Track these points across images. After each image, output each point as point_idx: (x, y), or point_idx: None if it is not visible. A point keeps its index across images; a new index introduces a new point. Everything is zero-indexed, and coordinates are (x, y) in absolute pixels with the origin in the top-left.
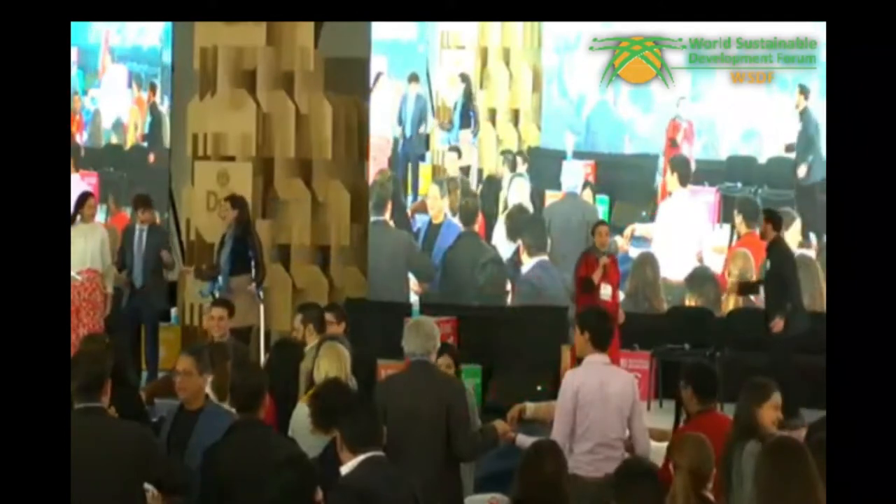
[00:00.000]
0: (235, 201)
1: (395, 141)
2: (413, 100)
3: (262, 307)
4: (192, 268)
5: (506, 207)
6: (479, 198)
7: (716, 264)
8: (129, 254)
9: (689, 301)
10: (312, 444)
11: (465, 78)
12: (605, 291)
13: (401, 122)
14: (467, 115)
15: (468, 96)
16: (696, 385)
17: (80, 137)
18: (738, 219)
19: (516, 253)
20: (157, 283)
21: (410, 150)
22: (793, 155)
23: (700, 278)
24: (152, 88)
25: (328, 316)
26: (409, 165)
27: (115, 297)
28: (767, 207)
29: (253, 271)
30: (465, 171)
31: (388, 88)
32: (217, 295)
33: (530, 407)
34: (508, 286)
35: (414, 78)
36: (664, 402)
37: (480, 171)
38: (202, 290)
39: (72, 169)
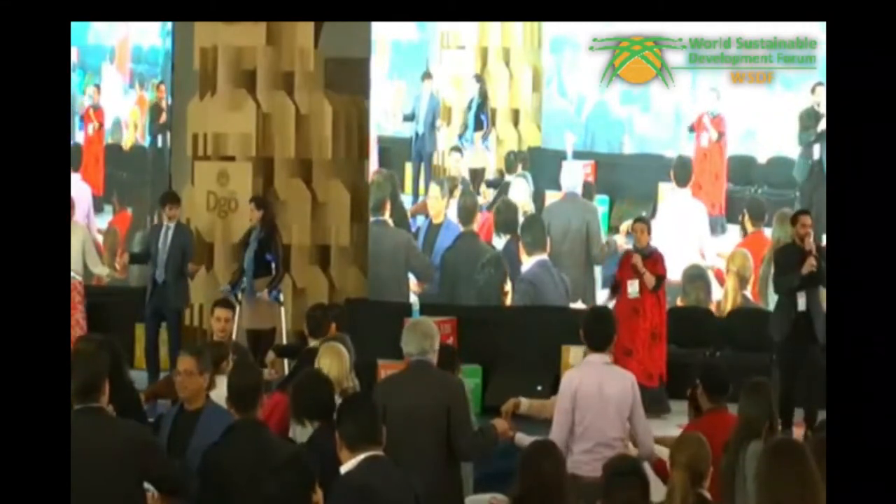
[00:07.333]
0: (260, 202)
1: (381, 141)
2: (426, 98)
3: (282, 309)
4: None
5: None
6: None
7: (717, 266)
8: (155, 249)
9: (680, 301)
10: None
11: (479, 79)
12: (633, 289)
13: (413, 119)
14: (479, 118)
15: (483, 97)
16: (706, 384)
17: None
18: (746, 217)
19: (511, 246)
20: (178, 282)
21: (423, 149)
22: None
23: (690, 277)
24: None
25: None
26: (422, 164)
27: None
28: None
29: (273, 273)
30: (481, 172)
31: (386, 87)
32: (240, 296)
33: (524, 402)
34: (507, 286)
35: (428, 76)
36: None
37: (482, 171)
38: (224, 291)
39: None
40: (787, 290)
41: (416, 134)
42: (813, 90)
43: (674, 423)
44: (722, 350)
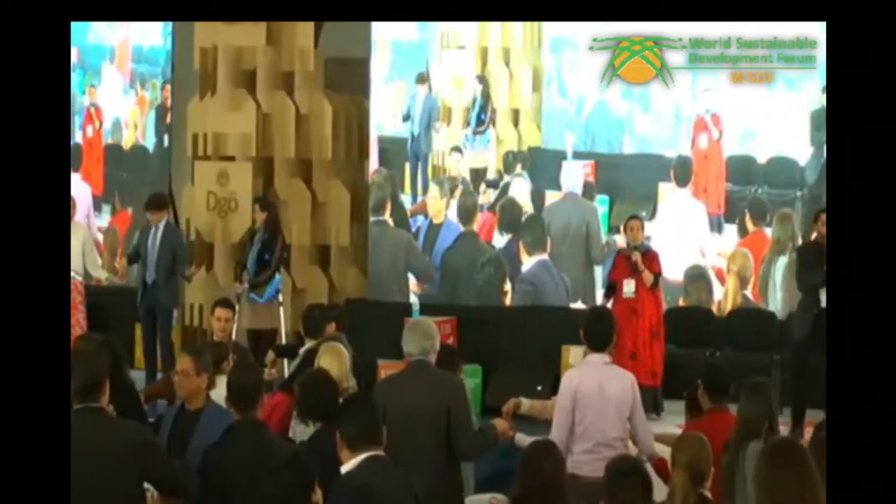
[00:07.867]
0: (264, 204)
1: (381, 141)
2: (421, 99)
3: (282, 309)
4: (194, 269)
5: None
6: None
7: (718, 265)
8: (144, 250)
9: (682, 301)
10: None
11: (481, 80)
12: (628, 288)
13: (408, 120)
14: (480, 118)
15: (486, 98)
16: (708, 384)
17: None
18: (747, 217)
19: (512, 246)
20: (169, 282)
21: (419, 150)
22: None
23: (692, 277)
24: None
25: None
26: (419, 165)
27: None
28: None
29: (271, 271)
30: (481, 172)
31: (386, 88)
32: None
33: (525, 403)
34: (507, 286)
35: (422, 78)
36: (665, 403)
37: (483, 171)
38: (237, 291)
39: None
40: (809, 286)
41: (412, 135)
42: (824, 90)
43: (672, 423)
44: (722, 350)
